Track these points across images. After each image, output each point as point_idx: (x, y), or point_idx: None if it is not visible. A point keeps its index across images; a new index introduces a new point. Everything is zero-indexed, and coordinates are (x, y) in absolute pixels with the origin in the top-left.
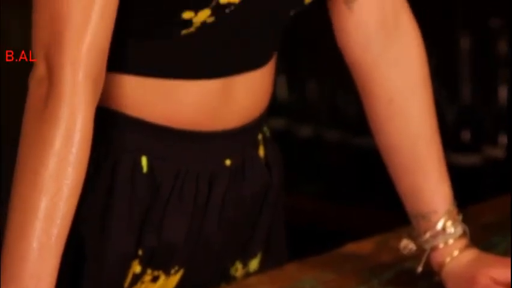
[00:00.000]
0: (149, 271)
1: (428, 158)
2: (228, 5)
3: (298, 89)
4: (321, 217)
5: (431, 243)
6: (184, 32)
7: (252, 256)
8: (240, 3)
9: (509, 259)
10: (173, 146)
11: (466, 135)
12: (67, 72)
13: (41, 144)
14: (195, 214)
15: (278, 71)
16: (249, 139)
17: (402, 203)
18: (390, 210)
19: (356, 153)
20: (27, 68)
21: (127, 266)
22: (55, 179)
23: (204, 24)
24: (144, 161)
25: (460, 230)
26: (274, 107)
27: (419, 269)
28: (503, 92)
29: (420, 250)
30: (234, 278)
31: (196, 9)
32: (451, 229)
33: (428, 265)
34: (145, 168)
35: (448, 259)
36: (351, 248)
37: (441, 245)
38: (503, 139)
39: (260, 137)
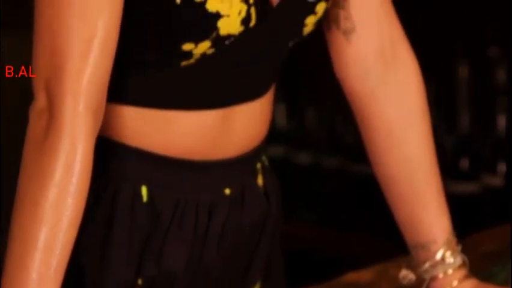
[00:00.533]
0: None
1: (427, 189)
2: (228, 36)
3: (297, 116)
4: (320, 244)
5: (430, 273)
6: (184, 63)
7: (252, 285)
8: (239, 35)
9: None
10: (173, 175)
11: (464, 164)
12: (67, 104)
13: (41, 175)
14: (194, 243)
15: (277, 99)
16: (248, 168)
17: (401, 232)
18: (389, 238)
19: (354, 180)
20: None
21: None
22: (55, 210)
23: (204, 55)
24: (144, 190)
25: (459, 260)
26: (273, 135)
27: None
28: (501, 121)
29: (420, 280)
30: None
31: (197, 41)
32: (450, 259)
33: None
34: (145, 198)
35: None
36: (351, 277)
37: (440, 275)
38: (501, 167)
39: (259, 166)
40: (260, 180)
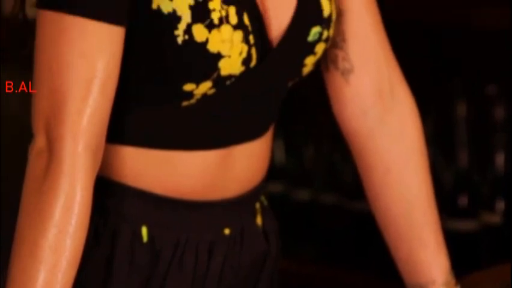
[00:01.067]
0: None
1: (425, 227)
2: (229, 77)
3: (295, 153)
4: (318, 281)
5: None
6: (184, 103)
7: None
8: (240, 75)
9: None
10: (173, 215)
11: (462, 201)
12: (66, 145)
13: (40, 216)
14: (194, 283)
15: (276, 136)
16: (247, 208)
17: (400, 271)
18: (387, 275)
19: (353, 217)
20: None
21: None
22: (54, 251)
23: (204, 96)
24: (144, 230)
25: None
26: (271, 171)
27: None
28: (500, 158)
29: None
30: None
31: (198, 82)
32: None
33: None
34: (145, 238)
35: None
36: None
37: None
38: (500, 205)
39: (258, 205)
40: (259, 220)
